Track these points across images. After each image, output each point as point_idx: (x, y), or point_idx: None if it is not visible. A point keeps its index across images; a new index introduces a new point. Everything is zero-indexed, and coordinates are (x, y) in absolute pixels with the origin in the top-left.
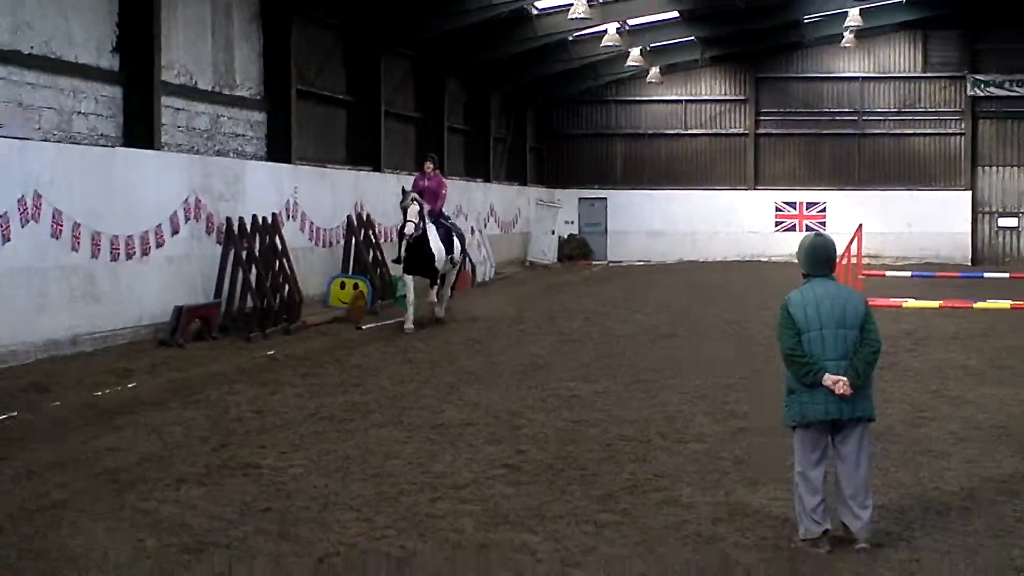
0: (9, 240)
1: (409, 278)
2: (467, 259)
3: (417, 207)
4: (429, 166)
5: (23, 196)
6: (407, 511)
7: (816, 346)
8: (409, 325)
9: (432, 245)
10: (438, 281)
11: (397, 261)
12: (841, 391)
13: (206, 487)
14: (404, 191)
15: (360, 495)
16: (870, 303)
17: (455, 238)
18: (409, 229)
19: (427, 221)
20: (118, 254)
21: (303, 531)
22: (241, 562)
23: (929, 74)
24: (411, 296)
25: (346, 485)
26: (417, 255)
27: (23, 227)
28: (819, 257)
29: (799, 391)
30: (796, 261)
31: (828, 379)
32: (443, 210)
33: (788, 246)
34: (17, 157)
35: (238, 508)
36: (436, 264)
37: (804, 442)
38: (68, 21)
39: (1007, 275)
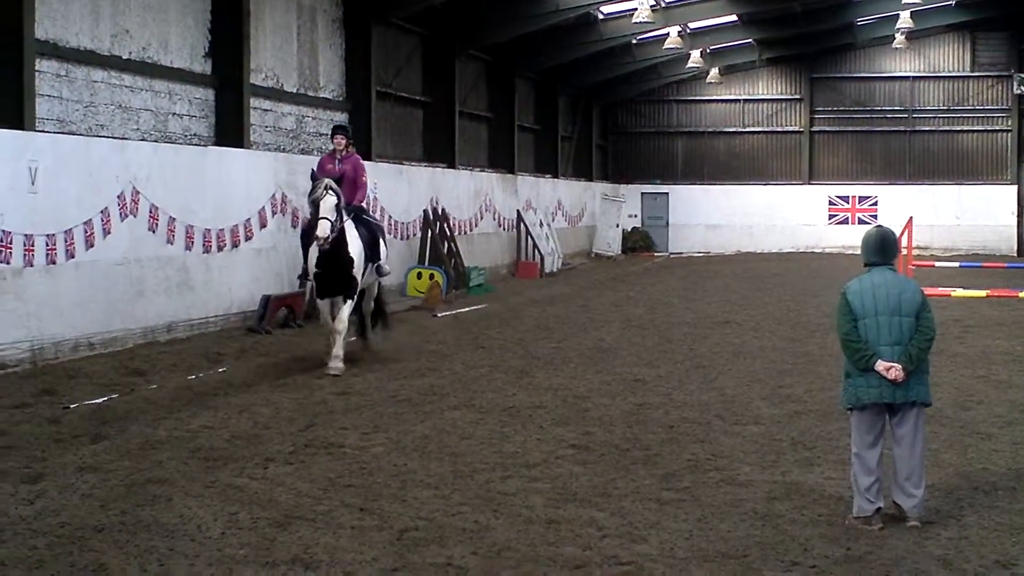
0: (110, 233)
1: (325, 303)
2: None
3: (333, 199)
4: (341, 142)
5: (122, 192)
6: (481, 488)
7: (871, 332)
8: (336, 364)
9: (351, 247)
10: (354, 300)
11: (303, 277)
12: (893, 377)
13: (293, 465)
14: (315, 177)
15: (437, 473)
16: None
17: (382, 242)
18: (323, 230)
19: (344, 218)
20: (210, 246)
21: (384, 506)
22: (326, 535)
23: (977, 73)
24: (329, 322)
25: (423, 463)
26: (331, 263)
27: (122, 221)
28: (876, 246)
29: (855, 375)
30: (858, 252)
31: (881, 365)
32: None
33: (841, 238)
34: (117, 156)
35: (323, 484)
36: (354, 271)
37: (860, 424)
38: (164, 28)
39: None
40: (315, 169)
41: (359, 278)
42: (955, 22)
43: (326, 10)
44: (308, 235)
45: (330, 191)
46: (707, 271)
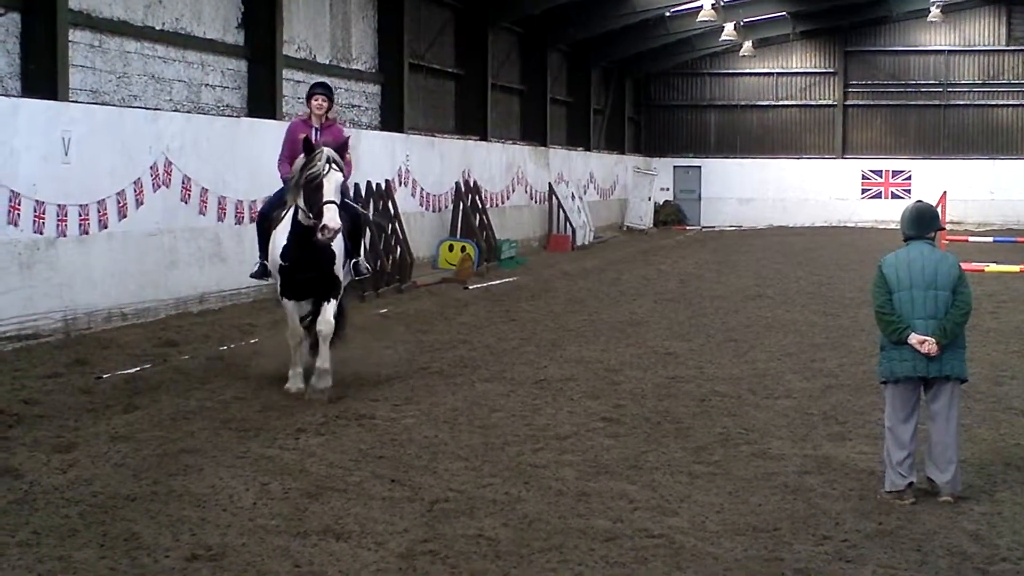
0: (143, 204)
1: (292, 305)
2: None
3: (338, 176)
4: (321, 104)
5: (155, 163)
6: (512, 460)
7: (906, 305)
8: (295, 382)
9: (334, 241)
10: (339, 299)
11: (261, 274)
12: (926, 350)
13: (324, 436)
14: (309, 143)
15: (468, 445)
16: None
17: (365, 231)
18: (333, 219)
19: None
20: (242, 217)
21: (415, 477)
22: (357, 505)
23: (1013, 47)
24: (298, 330)
25: (454, 435)
26: (307, 258)
27: (155, 192)
28: (912, 220)
29: (889, 348)
30: (891, 227)
31: (914, 338)
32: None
33: (874, 213)
34: (150, 126)
35: (354, 456)
36: (336, 269)
37: (894, 398)
38: None
39: None
40: (290, 136)
41: (341, 277)
42: None
43: None
44: (268, 218)
45: (333, 165)
46: (739, 245)
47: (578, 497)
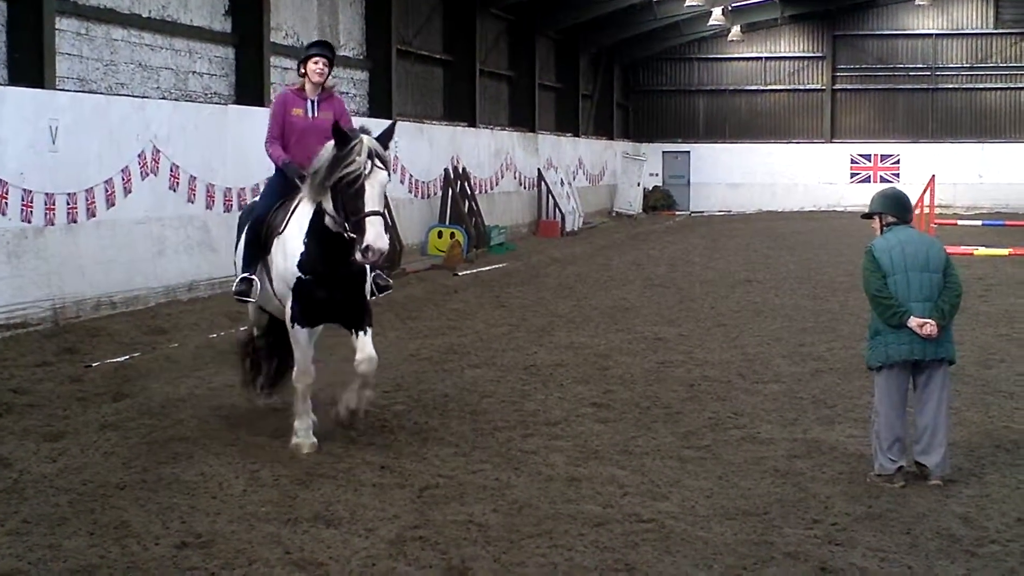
0: (131, 192)
1: (306, 335)
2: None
3: (384, 177)
4: (322, 70)
5: (143, 151)
6: (501, 446)
7: (901, 288)
8: (307, 436)
9: None
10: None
11: (248, 292)
12: (927, 333)
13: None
14: (340, 130)
15: (457, 431)
16: None
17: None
18: (381, 239)
19: None
20: (231, 205)
21: (405, 464)
22: (347, 492)
23: (1000, 31)
24: (310, 369)
25: (444, 421)
26: (335, 270)
27: (143, 180)
28: (903, 202)
29: (885, 332)
30: (873, 215)
31: (914, 321)
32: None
33: (863, 197)
34: (137, 114)
35: (344, 442)
36: (367, 289)
37: (887, 382)
38: None
39: None
40: (279, 110)
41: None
42: None
43: None
44: (265, 223)
45: (377, 162)
46: (728, 230)
47: (568, 482)
